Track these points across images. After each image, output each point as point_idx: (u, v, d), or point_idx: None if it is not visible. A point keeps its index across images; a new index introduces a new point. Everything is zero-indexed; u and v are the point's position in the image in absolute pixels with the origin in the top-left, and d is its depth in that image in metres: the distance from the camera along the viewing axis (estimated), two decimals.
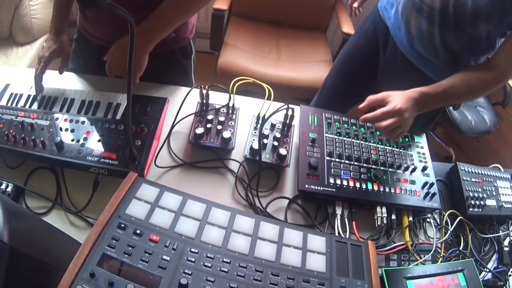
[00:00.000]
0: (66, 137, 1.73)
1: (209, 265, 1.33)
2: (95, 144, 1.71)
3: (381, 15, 2.33)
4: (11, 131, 1.74)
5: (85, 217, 1.65)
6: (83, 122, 1.79)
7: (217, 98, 1.99)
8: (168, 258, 1.31)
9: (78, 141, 1.71)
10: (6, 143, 1.71)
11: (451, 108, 3.66)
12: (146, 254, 1.31)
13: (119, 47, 1.82)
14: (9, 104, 1.91)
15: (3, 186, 1.65)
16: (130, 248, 1.31)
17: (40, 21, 3.88)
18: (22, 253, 1.09)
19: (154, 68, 1.90)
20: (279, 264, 1.40)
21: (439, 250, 1.75)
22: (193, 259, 1.33)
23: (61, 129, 1.76)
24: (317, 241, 1.51)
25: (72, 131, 1.75)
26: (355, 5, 2.81)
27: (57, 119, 1.80)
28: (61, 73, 2.05)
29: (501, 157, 4.47)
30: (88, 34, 2.17)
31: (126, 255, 1.29)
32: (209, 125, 1.84)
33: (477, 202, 1.89)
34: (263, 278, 1.34)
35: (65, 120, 1.80)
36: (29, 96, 1.93)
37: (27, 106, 1.89)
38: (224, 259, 1.36)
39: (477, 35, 1.93)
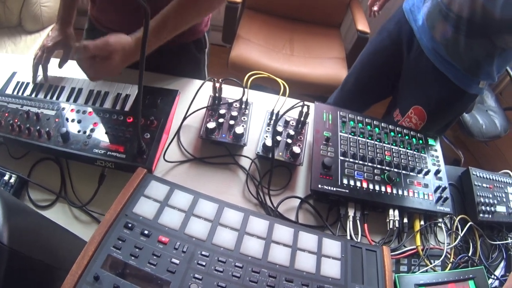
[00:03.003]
0: (72, 128, 1.59)
1: (221, 269, 1.20)
2: (102, 136, 1.57)
3: (406, 17, 2.21)
4: (16, 120, 1.62)
5: (89, 211, 1.53)
6: (90, 113, 1.65)
7: (229, 92, 1.86)
8: (177, 262, 1.18)
9: (84, 132, 1.58)
10: (11, 133, 1.59)
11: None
12: (154, 257, 1.18)
13: (120, 51, 1.56)
14: (15, 93, 1.78)
15: (6, 177, 1.54)
16: (137, 249, 1.18)
17: (49, 9, 3.79)
18: (22, 255, 0.98)
19: (166, 60, 1.78)
20: (293, 270, 1.27)
21: (449, 256, 1.63)
22: (203, 263, 1.20)
23: (67, 119, 1.63)
24: (332, 246, 1.38)
25: (79, 122, 1.62)
26: (375, 8, 2.68)
27: (63, 109, 1.67)
28: (60, 67, 1.91)
29: (510, 162, 4.40)
30: (99, 24, 2.04)
31: (132, 257, 1.16)
32: (221, 120, 1.71)
33: (488, 208, 1.78)
34: (276, 284, 1.21)
35: (72, 110, 1.66)
36: (35, 84, 1.80)
37: (33, 95, 1.76)
38: (237, 264, 1.23)
39: (503, 45, 1.84)
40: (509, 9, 1.65)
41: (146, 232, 1.22)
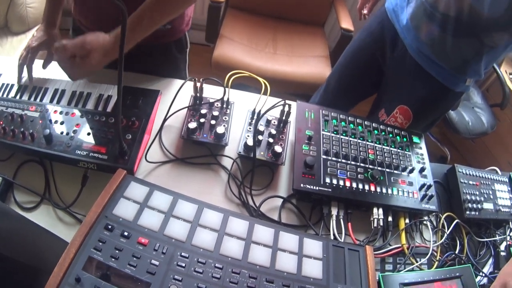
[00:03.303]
0: (56, 130, 1.60)
1: (200, 270, 1.21)
2: (85, 137, 1.58)
3: (389, 17, 2.21)
4: (1, 122, 1.61)
5: (73, 213, 1.53)
6: (73, 114, 1.66)
7: (211, 92, 1.86)
8: (157, 263, 1.19)
9: (67, 134, 1.58)
10: None
11: None
12: (134, 258, 1.18)
13: (99, 49, 1.59)
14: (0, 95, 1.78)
15: None
16: (117, 251, 1.19)
17: (35, 10, 3.76)
18: (6, 257, 1.00)
19: (145, 61, 1.78)
20: (274, 270, 1.28)
21: (435, 254, 1.64)
22: (183, 264, 1.21)
23: (50, 121, 1.63)
24: (313, 246, 1.39)
25: (62, 123, 1.62)
26: (365, 11, 2.66)
27: (47, 110, 1.67)
28: (44, 67, 1.91)
29: (497, 158, 4.42)
30: (82, 25, 2.03)
31: (113, 259, 1.17)
32: (202, 120, 1.72)
33: (474, 205, 1.78)
34: (257, 284, 1.22)
35: (55, 111, 1.66)
36: (20, 86, 1.80)
37: (17, 97, 1.76)
38: (216, 265, 1.24)
39: (491, 43, 1.84)
40: (497, 6, 1.65)
41: (126, 233, 1.23)
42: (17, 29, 3.78)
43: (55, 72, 1.86)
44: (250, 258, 1.29)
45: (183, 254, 1.23)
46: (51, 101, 1.74)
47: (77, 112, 1.66)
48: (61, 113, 1.66)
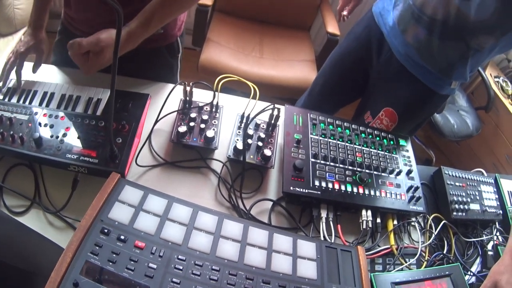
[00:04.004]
0: (45, 133, 1.60)
1: (198, 273, 1.24)
2: (74, 140, 1.58)
3: (376, 21, 2.25)
4: None
5: (64, 217, 1.53)
6: (62, 118, 1.66)
7: (201, 96, 1.89)
8: (154, 266, 1.21)
9: (57, 137, 1.59)
10: None
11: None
12: (132, 262, 1.20)
13: (112, 45, 1.64)
14: None
15: None
16: (114, 255, 1.21)
17: (23, 11, 3.72)
18: None
19: (137, 65, 1.80)
20: (270, 272, 1.32)
21: (424, 254, 1.69)
22: (181, 267, 1.24)
23: (40, 124, 1.63)
24: (307, 247, 1.43)
25: (52, 126, 1.63)
26: (345, 12, 2.67)
27: (36, 113, 1.67)
28: (34, 71, 1.91)
29: (482, 161, 4.49)
30: (72, 27, 2.05)
31: (110, 263, 1.18)
32: (192, 124, 1.74)
33: (461, 206, 1.84)
34: (253, 286, 1.26)
35: (44, 115, 1.67)
36: (8, 89, 1.80)
37: (6, 100, 1.75)
38: (213, 267, 1.27)
39: (477, 46, 1.88)
40: (484, 10, 1.70)
41: (122, 237, 1.24)
42: (4, 31, 3.74)
43: (44, 74, 1.89)
44: (246, 260, 1.32)
45: (180, 257, 1.26)
46: (40, 104, 1.74)
47: (66, 116, 1.67)
48: (50, 116, 1.66)
